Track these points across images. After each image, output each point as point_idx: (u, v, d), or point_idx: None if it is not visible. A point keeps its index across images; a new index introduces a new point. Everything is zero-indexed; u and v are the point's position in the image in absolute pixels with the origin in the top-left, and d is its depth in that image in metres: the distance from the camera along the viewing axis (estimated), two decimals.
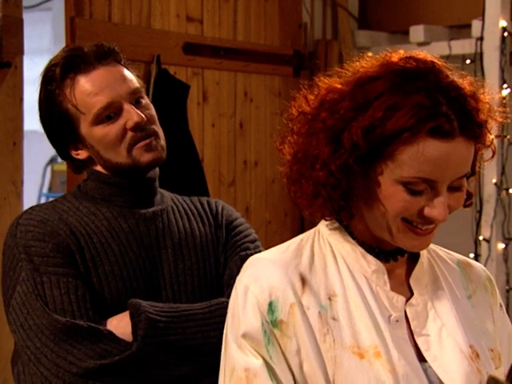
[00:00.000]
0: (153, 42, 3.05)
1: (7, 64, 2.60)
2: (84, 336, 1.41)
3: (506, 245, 3.35)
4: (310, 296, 1.13)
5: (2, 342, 2.49)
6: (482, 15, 3.33)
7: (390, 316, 1.14)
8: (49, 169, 5.78)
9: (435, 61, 1.10)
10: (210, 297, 1.54)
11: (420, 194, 1.08)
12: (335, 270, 1.16)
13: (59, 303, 1.43)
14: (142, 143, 1.52)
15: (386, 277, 1.16)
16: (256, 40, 3.52)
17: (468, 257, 1.32)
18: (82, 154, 1.57)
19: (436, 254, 1.27)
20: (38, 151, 5.42)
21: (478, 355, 1.16)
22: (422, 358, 1.14)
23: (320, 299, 1.13)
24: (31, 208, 1.56)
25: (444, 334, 1.16)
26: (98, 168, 1.58)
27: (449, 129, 1.04)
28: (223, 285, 1.57)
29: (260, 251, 1.59)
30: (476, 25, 3.38)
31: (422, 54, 1.11)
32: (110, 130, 1.51)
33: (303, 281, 1.14)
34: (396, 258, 1.19)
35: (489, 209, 3.31)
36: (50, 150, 6.66)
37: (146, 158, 1.52)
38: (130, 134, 1.51)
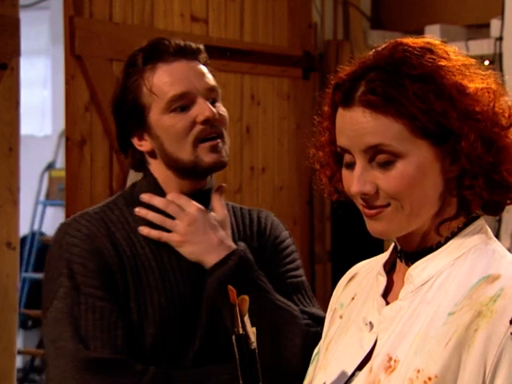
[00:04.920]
0: None
1: (3, 65, 2.61)
2: (105, 369, 1.45)
3: None
4: (334, 295, 1.34)
5: None
6: (501, 14, 3.33)
7: (365, 318, 1.21)
8: (46, 175, 5.79)
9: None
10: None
11: (352, 167, 1.16)
12: (372, 273, 1.28)
13: (91, 329, 1.47)
14: (208, 143, 1.53)
15: (383, 279, 1.22)
16: (264, 41, 3.52)
17: None
18: (145, 146, 1.57)
19: (470, 263, 1.17)
20: (35, 157, 5.42)
21: (394, 369, 1.15)
22: None
23: (341, 299, 1.30)
24: (81, 216, 1.57)
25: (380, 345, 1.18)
26: (158, 171, 1.58)
27: (347, 98, 1.14)
28: None
29: (301, 281, 1.61)
30: (495, 24, 3.38)
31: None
32: (180, 120, 1.53)
33: (350, 279, 1.32)
34: (403, 257, 1.21)
35: (508, 218, 3.30)
36: (47, 156, 6.65)
37: (210, 158, 1.53)
38: (198, 127, 1.53)
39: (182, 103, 1.53)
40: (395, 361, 1.14)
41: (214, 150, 1.53)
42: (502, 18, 3.32)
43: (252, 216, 1.67)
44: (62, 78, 2.90)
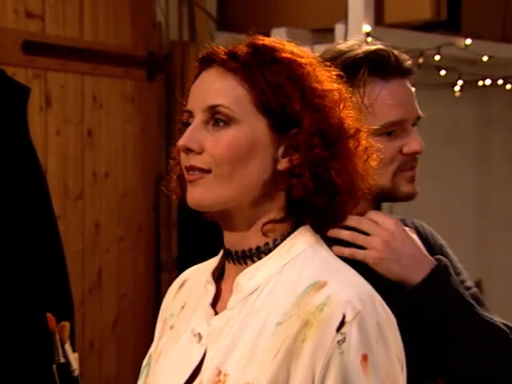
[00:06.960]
0: None
1: None
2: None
3: None
4: (164, 304, 1.31)
5: None
6: (345, 19, 3.40)
7: (194, 329, 1.20)
8: None
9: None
10: None
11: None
12: (201, 279, 1.26)
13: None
14: (408, 173, 1.52)
15: (211, 288, 1.21)
16: (105, 40, 3.45)
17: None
18: None
19: (300, 265, 1.17)
20: None
21: (223, 383, 1.14)
22: None
23: (172, 308, 1.28)
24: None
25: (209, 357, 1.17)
26: None
27: (209, 60, 1.20)
28: None
29: (477, 291, 1.57)
30: (339, 29, 3.44)
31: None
32: (387, 147, 1.47)
33: (180, 287, 1.31)
34: (231, 258, 1.20)
35: None
36: None
37: (407, 188, 1.52)
38: (401, 158, 1.51)
39: (394, 129, 1.50)
40: (225, 374, 1.12)
41: (412, 180, 1.53)
42: (346, 23, 3.41)
43: (408, 226, 1.59)
44: None
